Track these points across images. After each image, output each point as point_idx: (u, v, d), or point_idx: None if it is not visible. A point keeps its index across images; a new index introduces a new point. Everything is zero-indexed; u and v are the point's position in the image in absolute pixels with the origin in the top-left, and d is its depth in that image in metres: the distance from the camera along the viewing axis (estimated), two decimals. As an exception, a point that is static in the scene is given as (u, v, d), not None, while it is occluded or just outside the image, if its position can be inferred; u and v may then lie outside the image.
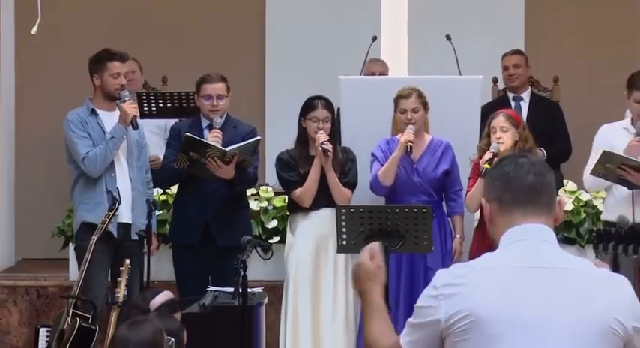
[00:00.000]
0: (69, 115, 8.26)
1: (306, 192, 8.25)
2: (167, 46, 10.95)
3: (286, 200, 8.63)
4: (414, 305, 3.52)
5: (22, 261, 10.32)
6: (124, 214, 8.15)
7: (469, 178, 8.15)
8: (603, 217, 8.31)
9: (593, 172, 8.01)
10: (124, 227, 8.15)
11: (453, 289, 3.40)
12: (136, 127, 8.18)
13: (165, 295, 6.74)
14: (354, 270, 3.78)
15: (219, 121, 8.27)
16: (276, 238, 8.81)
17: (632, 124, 8.16)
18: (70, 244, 8.97)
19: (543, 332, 3.34)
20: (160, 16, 11.18)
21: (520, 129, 7.98)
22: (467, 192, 8.09)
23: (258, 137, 8.41)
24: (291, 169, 8.32)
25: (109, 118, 8.23)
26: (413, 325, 3.49)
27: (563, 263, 3.45)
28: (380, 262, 3.75)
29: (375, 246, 3.77)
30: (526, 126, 8.12)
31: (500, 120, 8.02)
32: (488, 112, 8.80)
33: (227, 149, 8.08)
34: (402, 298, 7.79)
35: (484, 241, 7.56)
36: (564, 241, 8.64)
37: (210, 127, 8.35)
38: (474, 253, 7.69)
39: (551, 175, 3.56)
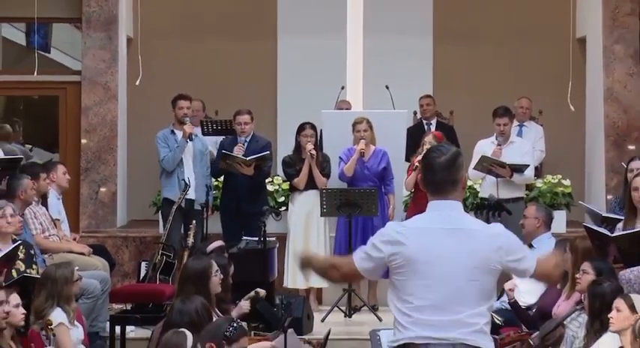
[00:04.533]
0: (158, 134, 8.37)
1: (300, 180, 8.19)
2: (218, 91, 10.83)
3: (288, 184, 8.55)
4: (371, 240, 3.41)
5: (131, 221, 10.24)
6: (190, 193, 8.15)
7: (408, 170, 8.13)
8: (481, 194, 8.36)
9: (475, 168, 8.14)
10: (189, 201, 8.14)
11: (394, 238, 3.35)
12: (191, 139, 8.21)
13: (218, 243, 6.72)
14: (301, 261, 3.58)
15: (242, 139, 8.27)
16: (284, 208, 8.73)
17: (496, 139, 8.30)
18: (159, 211, 8.93)
19: (447, 267, 3.30)
20: (212, 73, 11.09)
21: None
22: (406, 178, 8.05)
23: (268, 152, 8.28)
24: (291, 166, 8.26)
25: (180, 135, 8.25)
26: (369, 256, 3.38)
27: (464, 224, 3.37)
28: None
29: None
30: (446, 142, 8.05)
31: (429, 137, 8.02)
32: (411, 132, 8.88)
33: (247, 158, 8.08)
34: (357, 244, 7.56)
35: (415, 208, 7.47)
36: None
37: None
38: (409, 215, 7.62)
39: (462, 166, 3.43)
